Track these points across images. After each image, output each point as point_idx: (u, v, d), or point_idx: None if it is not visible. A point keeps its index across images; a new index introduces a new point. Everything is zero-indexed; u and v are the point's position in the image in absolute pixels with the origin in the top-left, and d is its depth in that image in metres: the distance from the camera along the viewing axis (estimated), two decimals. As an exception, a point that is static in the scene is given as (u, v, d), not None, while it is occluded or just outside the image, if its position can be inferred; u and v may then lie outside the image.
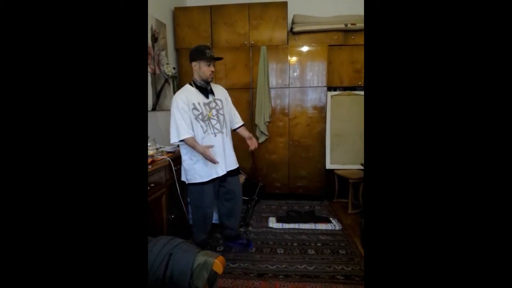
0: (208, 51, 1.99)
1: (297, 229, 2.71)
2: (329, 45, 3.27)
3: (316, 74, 3.29)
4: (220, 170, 2.09)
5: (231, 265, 2.11)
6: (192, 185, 2.11)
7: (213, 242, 2.49)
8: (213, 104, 2.08)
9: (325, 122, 3.38)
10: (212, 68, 2.01)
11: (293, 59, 3.29)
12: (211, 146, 2.01)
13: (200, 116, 2.01)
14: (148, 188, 1.81)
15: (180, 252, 1.23)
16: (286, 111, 3.37)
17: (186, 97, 2.00)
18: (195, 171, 2.07)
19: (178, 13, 3.33)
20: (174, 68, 3.15)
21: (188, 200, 2.25)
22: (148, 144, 2.04)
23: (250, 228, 2.74)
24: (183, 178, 2.17)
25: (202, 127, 2.02)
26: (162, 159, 2.04)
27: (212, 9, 3.29)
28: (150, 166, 1.84)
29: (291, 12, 3.39)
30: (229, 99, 2.24)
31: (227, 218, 2.32)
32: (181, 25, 3.34)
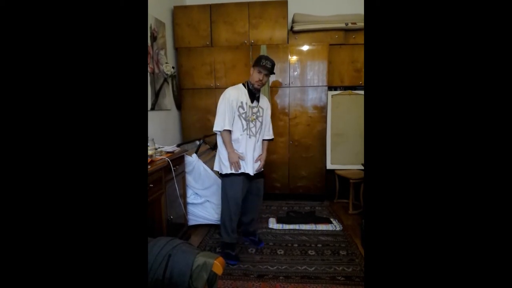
0: (264, 61, 2.08)
1: (298, 230, 2.69)
2: (330, 44, 3.26)
3: (317, 73, 3.27)
4: (249, 170, 2.18)
5: (231, 266, 2.09)
6: (224, 176, 2.20)
7: (213, 243, 2.48)
8: (256, 110, 2.18)
9: (325, 122, 3.36)
10: (260, 77, 2.08)
11: (293, 58, 3.27)
12: (243, 158, 2.13)
13: (243, 115, 2.12)
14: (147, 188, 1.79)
15: (180, 253, 1.22)
16: (286, 110, 3.36)
17: (237, 93, 2.12)
18: (225, 161, 2.16)
19: (178, 12, 3.32)
20: (173, 68, 3.14)
21: (221, 194, 2.31)
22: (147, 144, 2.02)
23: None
24: (216, 168, 2.28)
25: (243, 125, 2.13)
26: (161, 159, 2.02)
27: (211, 8, 3.28)
28: (149, 166, 1.82)
29: (291, 11, 3.38)
30: (269, 111, 2.33)
31: (247, 212, 2.39)
32: (181, 24, 3.32)
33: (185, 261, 1.19)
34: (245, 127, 2.13)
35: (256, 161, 2.23)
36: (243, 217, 2.40)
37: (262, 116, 2.21)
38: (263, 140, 2.32)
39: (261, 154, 2.29)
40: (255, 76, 2.09)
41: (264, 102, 2.26)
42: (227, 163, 2.15)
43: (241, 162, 2.15)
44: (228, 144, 2.10)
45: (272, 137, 2.40)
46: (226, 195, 2.20)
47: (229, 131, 2.09)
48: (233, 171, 2.14)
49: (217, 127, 2.08)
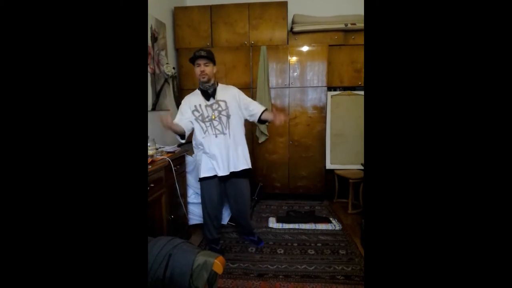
0: (197, 52, 2.04)
1: (297, 229, 2.71)
2: (329, 45, 3.27)
3: (316, 74, 3.28)
4: (220, 171, 2.13)
5: (231, 265, 2.11)
6: (200, 180, 2.23)
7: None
8: (215, 106, 2.12)
9: (325, 122, 3.37)
10: (201, 68, 2.05)
11: (293, 59, 3.28)
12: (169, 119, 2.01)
13: (200, 117, 2.11)
14: (148, 188, 1.80)
15: (180, 252, 1.23)
16: (286, 111, 3.37)
17: (190, 99, 2.16)
18: (200, 166, 2.20)
19: (178, 12, 3.33)
20: (174, 68, 3.15)
21: None
22: (148, 144, 2.04)
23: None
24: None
25: (202, 127, 2.12)
26: (162, 159, 2.03)
27: (212, 8, 3.29)
28: (149, 166, 1.84)
29: (291, 12, 3.39)
30: (241, 95, 2.21)
31: (237, 217, 2.43)
32: (181, 25, 3.34)
33: (186, 260, 1.19)
34: (204, 129, 2.12)
35: (276, 116, 2.10)
36: (237, 220, 2.45)
37: (225, 109, 2.12)
38: (261, 115, 2.18)
39: (275, 115, 2.11)
40: (196, 71, 2.07)
41: (225, 93, 2.16)
42: (202, 167, 2.18)
43: (212, 164, 2.14)
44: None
45: (263, 108, 2.22)
46: (203, 197, 2.24)
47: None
48: (203, 175, 2.16)
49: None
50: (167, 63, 3.07)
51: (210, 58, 2.08)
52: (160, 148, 2.27)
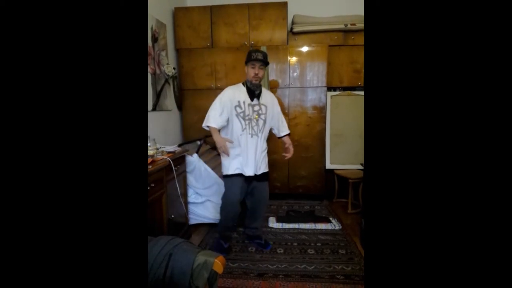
0: (254, 54, 2.06)
1: (297, 229, 2.72)
2: (329, 45, 3.27)
3: (316, 74, 3.29)
4: (248, 171, 2.15)
5: (231, 265, 2.11)
6: (224, 177, 2.23)
7: (213, 242, 2.50)
8: (257, 108, 2.14)
9: (325, 122, 3.38)
10: (255, 71, 2.06)
11: (293, 59, 3.29)
12: (231, 141, 2.12)
13: (241, 114, 2.09)
14: (148, 188, 1.81)
15: (180, 252, 1.23)
16: (286, 111, 3.38)
17: (234, 92, 2.11)
18: (226, 162, 2.17)
19: (178, 13, 3.34)
20: (174, 68, 3.16)
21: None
22: (148, 144, 2.04)
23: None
24: (222, 170, 2.26)
25: (242, 124, 2.10)
26: (162, 159, 2.04)
27: (212, 9, 3.29)
28: (150, 166, 1.85)
29: (291, 12, 3.39)
30: (277, 107, 2.28)
31: (249, 218, 2.39)
32: (181, 25, 3.34)
33: (186, 260, 1.20)
34: (244, 126, 2.10)
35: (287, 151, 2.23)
36: (247, 220, 2.40)
37: (265, 113, 2.15)
38: (283, 136, 2.30)
39: (288, 147, 2.28)
40: (250, 72, 2.08)
41: (268, 98, 2.21)
42: (226, 164, 2.16)
43: (240, 163, 2.14)
44: (215, 135, 2.08)
45: (288, 131, 2.36)
46: (226, 193, 2.23)
47: (214, 128, 2.07)
48: (229, 173, 2.16)
49: (206, 122, 2.10)
50: (167, 64, 3.08)
51: (266, 62, 2.10)
52: (160, 148, 2.28)
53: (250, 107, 2.11)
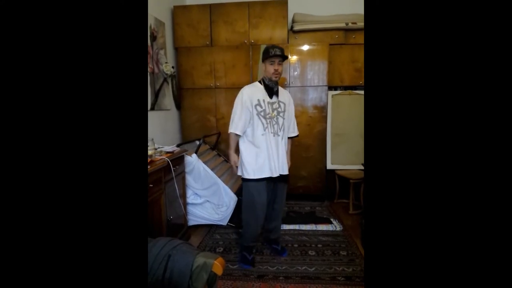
0: (272, 50, 1.97)
1: (298, 230, 2.69)
2: (330, 44, 3.25)
3: (317, 73, 3.27)
4: (273, 171, 2.04)
5: (231, 267, 2.09)
6: (245, 181, 2.09)
7: (212, 243, 2.47)
8: (276, 105, 2.06)
9: (325, 122, 3.36)
10: (275, 67, 1.98)
11: (294, 58, 3.27)
12: (236, 164, 2.08)
13: (262, 113, 2.01)
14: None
15: (179, 253, 1.22)
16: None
17: (252, 91, 2.03)
18: (250, 166, 2.04)
19: (178, 11, 3.31)
20: (173, 67, 3.13)
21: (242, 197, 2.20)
22: (147, 143, 2.02)
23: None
24: (239, 173, 2.14)
25: (263, 123, 2.01)
26: (161, 159, 2.01)
27: (211, 7, 3.27)
28: (148, 167, 1.82)
29: (291, 11, 3.38)
30: (292, 106, 2.21)
31: (271, 220, 2.26)
32: (181, 24, 3.32)
33: (185, 261, 1.19)
34: (265, 125, 2.01)
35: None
36: (266, 223, 2.27)
37: (284, 111, 2.07)
38: (288, 138, 2.18)
39: (286, 152, 2.15)
40: (269, 68, 1.99)
41: (285, 96, 2.14)
42: (249, 168, 2.04)
43: (263, 165, 2.03)
44: (233, 145, 2.06)
45: (297, 133, 2.26)
46: (252, 200, 2.07)
47: (236, 135, 2.03)
48: (254, 177, 2.03)
49: (230, 128, 2.03)
50: (166, 62, 3.05)
51: (284, 57, 2.00)
52: (159, 148, 2.25)
53: (270, 105, 2.03)
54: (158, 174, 1.96)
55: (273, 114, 2.03)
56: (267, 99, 2.03)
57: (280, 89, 2.13)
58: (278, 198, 2.19)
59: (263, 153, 2.02)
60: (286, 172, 2.12)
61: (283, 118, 2.07)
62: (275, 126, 2.04)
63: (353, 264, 2.10)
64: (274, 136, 2.03)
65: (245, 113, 2.00)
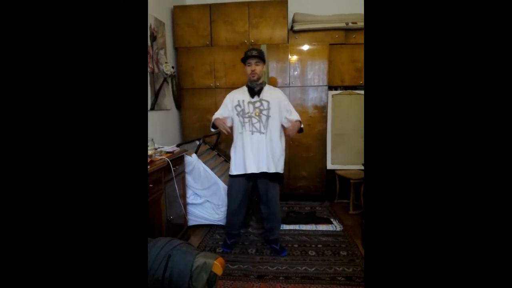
0: (248, 52, 2.13)
1: (298, 230, 2.68)
2: (330, 44, 3.25)
3: (317, 73, 3.26)
4: (249, 168, 2.14)
5: (231, 267, 2.08)
6: (230, 177, 2.28)
7: (212, 243, 2.47)
8: (258, 104, 2.14)
9: (325, 122, 3.35)
10: (252, 67, 2.11)
11: (294, 58, 3.26)
12: (225, 122, 2.16)
13: (241, 113, 2.15)
14: (147, 188, 1.78)
15: (179, 254, 1.22)
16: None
17: (234, 94, 2.23)
18: (231, 163, 2.25)
19: (178, 11, 3.31)
20: (173, 67, 3.13)
21: None
22: (147, 143, 2.02)
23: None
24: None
25: (241, 122, 2.15)
26: (161, 159, 2.01)
27: (211, 7, 3.27)
28: (148, 167, 1.81)
29: (291, 11, 3.37)
30: (284, 102, 2.20)
31: (266, 220, 2.32)
32: (180, 24, 3.31)
33: (185, 261, 1.19)
34: (242, 124, 2.14)
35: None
36: (264, 222, 2.36)
37: (268, 109, 2.12)
38: (292, 121, 2.14)
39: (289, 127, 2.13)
40: (247, 70, 2.15)
41: (271, 94, 2.17)
42: (231, 165, 2.22)
43: (239, 162, 2.17)
44: (215, 119, 2.19)
45: (299, 118, 2.19)
46: (229, 193, 2.28)
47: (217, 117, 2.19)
48: (232, 173, 2.22)
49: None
50: (166, 62, 3.05)
51: (261, 57, 2.13)
52: (159, 148, 2.24)
53: (250, 105, 2.14)
54: (158, 174, 1.95)
55: (256, 113, 2.13)
56: (248, 99, 2.15)
57: (268, 87, 2.22)
58: (270, 198, 2.22)
59: (239, 151, 2.18)
60: (272, 170, 2.15)
61: (268, 116, 2.12)
62: (257, 124, 2.12)
63: (353, 264, 2.10)
64: (253, 134, 2.13)
65: (223, 108, 2.23)
